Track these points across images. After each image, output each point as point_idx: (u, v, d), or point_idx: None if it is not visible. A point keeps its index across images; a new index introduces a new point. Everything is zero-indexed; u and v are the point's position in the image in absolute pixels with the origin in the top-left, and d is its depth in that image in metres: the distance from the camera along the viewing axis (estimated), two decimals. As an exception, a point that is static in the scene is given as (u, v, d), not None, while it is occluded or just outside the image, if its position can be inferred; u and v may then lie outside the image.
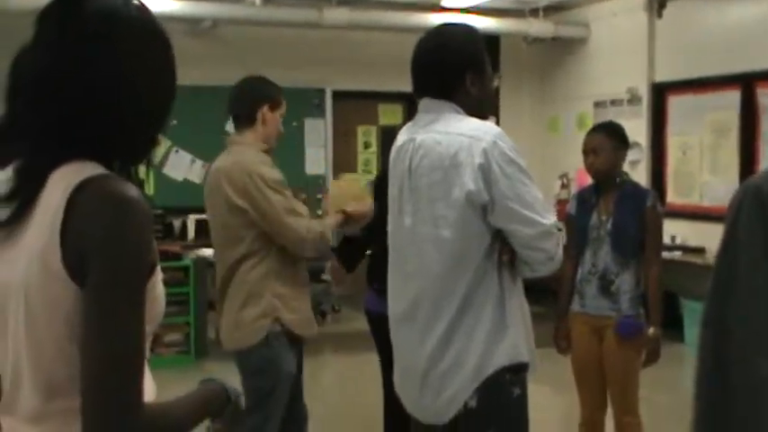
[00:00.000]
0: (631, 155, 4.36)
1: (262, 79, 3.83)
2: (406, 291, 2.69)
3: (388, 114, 10.17)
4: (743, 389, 1.09)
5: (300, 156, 9.40)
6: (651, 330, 3.98)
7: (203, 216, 3.85)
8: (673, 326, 8.10)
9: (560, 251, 2.62)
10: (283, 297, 3.62)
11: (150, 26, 1.51)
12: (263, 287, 3.61)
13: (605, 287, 3.99)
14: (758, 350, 1.08)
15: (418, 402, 2.72)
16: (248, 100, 3.72)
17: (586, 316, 4.08)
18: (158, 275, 1.50)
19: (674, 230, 7.98)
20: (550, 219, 2.56)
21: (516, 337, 2.60)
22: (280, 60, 8.74)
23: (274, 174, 3.62)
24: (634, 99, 9.00)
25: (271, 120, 3.71)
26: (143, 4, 1.52)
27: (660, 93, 8.83)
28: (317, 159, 9.71)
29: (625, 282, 3.99)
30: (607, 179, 4.04)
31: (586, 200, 4.12)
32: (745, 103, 7.86)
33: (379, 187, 4.32)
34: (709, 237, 6.95)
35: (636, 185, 4.21)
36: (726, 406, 1.12)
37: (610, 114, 8.72)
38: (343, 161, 10.12)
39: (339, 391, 7.03)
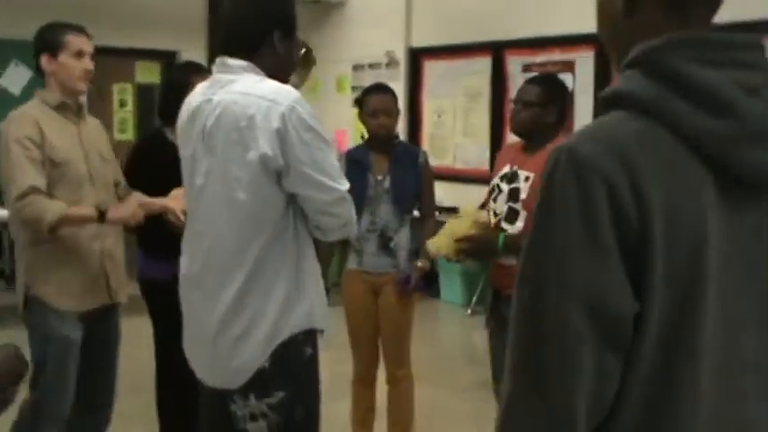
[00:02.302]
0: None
1: (43, 28, 3.57)
2: (197, 252, 2.63)
3: (146, 72, 9.77)
4: (553, 333, 1.17)
5: (51, 114, 8.87)
6: (420, 263, 4.11)
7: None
8: (429, 284, 8.46)
9: (354, 217, 2.64)
10: (39, 266, 3.45)
11: None
12: (23, 250, 3.48)
13: (385, 244, 4.09)
14: (569, 300, 1.15)
15: (209, 368, 2.66)
16: (35, 54, 3.54)
17: (365, 274, 4.16)
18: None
19: (430, 191, 8.26)
20: (345, 185, 2.57)
21: (311, 302, 2.61)
22: (29, 16, 8.17)
23: (21, 129, 3.36)
24: (392, 63, 9.23)
25: (57, 68, 3.50)
26: None
27: (417, 57, 9.12)
28: (68, 118, 9.21)
29: (403, 238, 4.12)
30: (389, 139, 4.16)
31: (360, 160, 4.18)
32: (495, 69, 8.29)
33: (145, 150, 4.20)
34: (462, 197, 7.24)
35: (406, 144, 4.40)
36: (539, 351, 1.18)
37: (368, 77, 8.88)
38: (99, 120, 9.63)
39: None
